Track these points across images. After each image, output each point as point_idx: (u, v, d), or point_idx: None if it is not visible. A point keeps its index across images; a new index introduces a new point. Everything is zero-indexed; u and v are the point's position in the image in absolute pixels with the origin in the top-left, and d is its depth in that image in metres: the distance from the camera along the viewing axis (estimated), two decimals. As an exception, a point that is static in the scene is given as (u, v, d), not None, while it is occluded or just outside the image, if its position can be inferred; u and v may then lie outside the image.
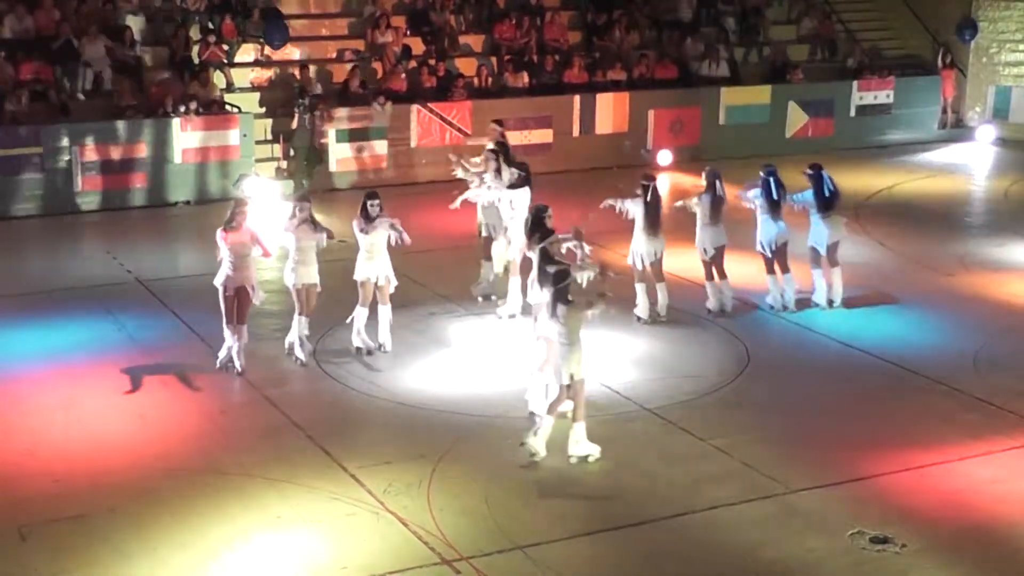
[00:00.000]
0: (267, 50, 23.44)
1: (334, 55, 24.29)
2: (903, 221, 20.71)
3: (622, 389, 13.02)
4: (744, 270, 16.82)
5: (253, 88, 23.32)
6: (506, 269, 15.30)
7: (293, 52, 23.78)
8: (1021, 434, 12.14)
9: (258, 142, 22.22)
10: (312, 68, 23.05)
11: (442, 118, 23.15)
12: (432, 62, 24.03)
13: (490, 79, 24.43)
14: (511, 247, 15.03)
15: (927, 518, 10.55)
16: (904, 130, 27.42)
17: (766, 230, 15.58)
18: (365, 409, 12.78)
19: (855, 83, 26.96)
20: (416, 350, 14.19)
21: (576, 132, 24.34)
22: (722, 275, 15.61)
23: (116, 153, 20.83)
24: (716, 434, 11.97)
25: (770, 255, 15.65)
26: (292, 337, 13.82)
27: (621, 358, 13.22)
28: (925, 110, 27.79)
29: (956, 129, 28.37)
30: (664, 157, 24.56)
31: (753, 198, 15.72)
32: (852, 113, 26.91)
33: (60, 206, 20.49)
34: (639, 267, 15.12)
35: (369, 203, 13.80)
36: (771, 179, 15.62)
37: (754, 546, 10.09)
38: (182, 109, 21.20)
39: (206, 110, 21.59)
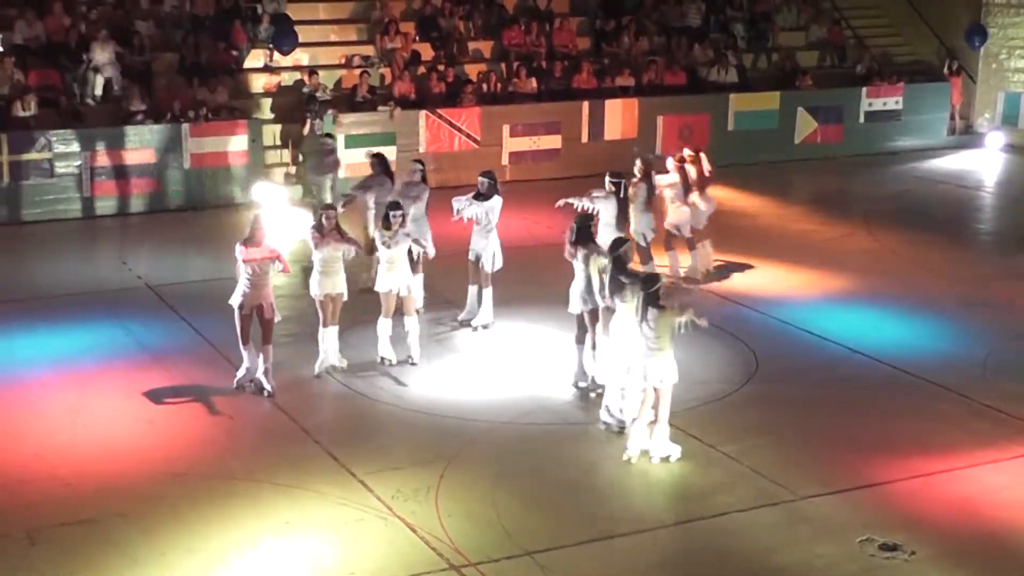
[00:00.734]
0: (276, 56, 23.46)
1: (343, 61, 24.32)
2: (912, 227, 20.68)
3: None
4: (752, 278, 16.87)
5: (262, 94, 23.36)
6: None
7: (302, 58, 23.82)
8: (1031, 441, 12.12)
9: (267, 147, 22.26)
10: (321, 74, 23.08)
11: (451, 124, 23.17)
12: (441, 68, 24.06)
13: (499, 85, 24.45)
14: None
15: (936, 525, 10.53)
16: (913, 136, 27.37)
17: (681, 213, 17.01)
18: (373, 415, 12.78)
19: (864, 89, 26.92)
20: (424, 356, 14.17)
21: (585, 138, 24.34)
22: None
23: (125, 158, 20.86)
24: (724, 440, 11.96)
25: (689, 235, 17.09)
26: (324, 351, 13.60)
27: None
28: (934, 116, 27.75)
29: (965, 135, 28.34)
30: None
31: (666, 183, 17.05)
32: (861, 119, 26.87)
33: (70, 211, 20.55)
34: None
35: (392, 214, 13.68)
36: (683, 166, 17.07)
37: (763, 552, 10.07)
38: (191, 115, 21.24)
39: (215, 115, 21.62)
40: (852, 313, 15.94)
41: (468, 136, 23.21)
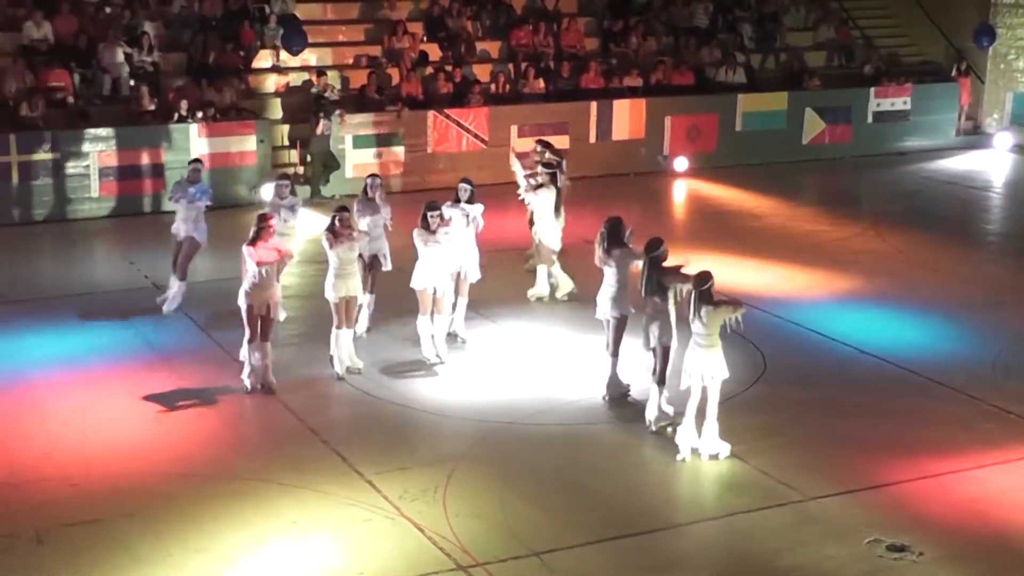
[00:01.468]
0: (284, 56, 23.48)
1: (351, 61, 24.34)
2: (920, 228, 20.64)
3: (638, 396, 12.99)
4: (760, 278, 16.84)
5: (270, 94, 23.39)
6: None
7: (310, 58, 23.84)
8: (1039, 442, 12.11)
9: (275, 148, 22.27)
10: (329, 74, 23.09)
11: (459, 124, 23.17)
12: (449, 68, 24.07)
13: (507, 85, 24.45)
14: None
15: (944, 526, 10.52)
16: (921, 137, 27.32)
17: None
18: (381, 415, 12.77)
19: (872, 90, 26.87)
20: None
21: (593, 138, 24.32)
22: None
23: (133, 159, 20.89)
24: (732, 441, 11.91)
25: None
26: (337, 353, 13.53)
27: (636, 364, 13.19)
28: (942, 117, 27.69)
29: (974, 136, 28.29)
30: (680, 164, 24.54)
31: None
32: (869, 120, 26.82)
33: (78, 211, 20.59)
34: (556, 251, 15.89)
35: (430, 214, 13.59)
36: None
37: (771, 553, 10.06)
38: (199, 115, 21.26)
39: (223, 116, 21.64)
40: (860, 314, 15.92)
41: (476, 136, 23.22)
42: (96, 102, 21.71)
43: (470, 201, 14.60)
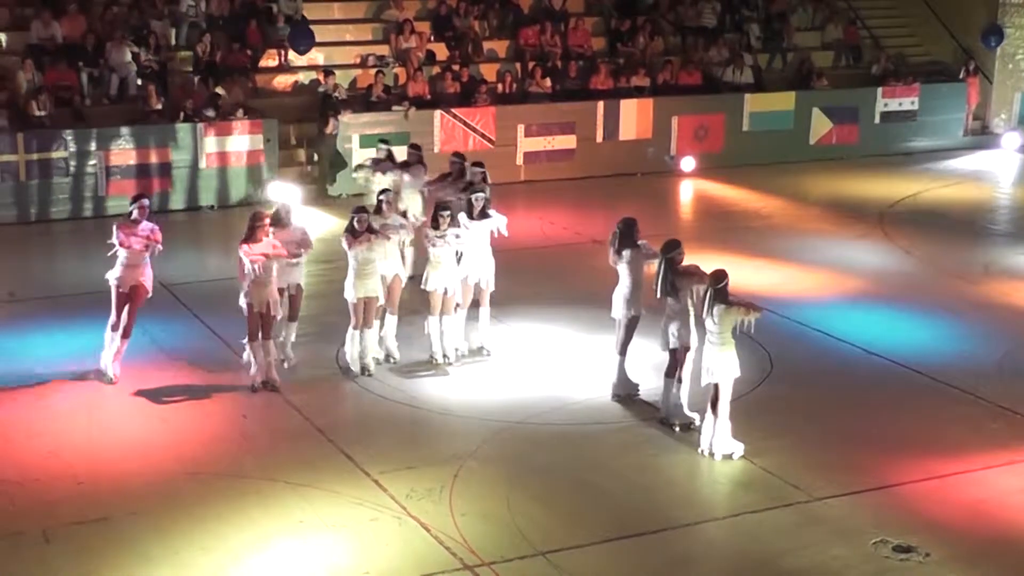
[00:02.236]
0: (291, 55, 23.51)
1: (358, 61, 24.35)
2: (928, 228, 20.62)
3: (644, 395, 12.99)
4: (767, 278, 16.81)
5: (278, 93, 23.40)
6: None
7: (317, 57, 23.85)
8: (1046, 443, 12.09)
9: (282, 147, 22.30)
10: (337, 73, 23.11)
11: (466, 123, 23.17)
12: (456, 67, 24.08)
13: (514, 85, 24.45)
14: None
15: (951, 527, 10.50)
16: (929, 137, 27.28)
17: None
18: (387, 414, 12.78)
19: (879, 90, 26.84)
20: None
21: (600, 138, 24.31)
22: None
23: (141, 158, 20.92)
24: (739, 441, 11.92)
25: None
26: (351, 351, 13.55)
27: (643, 364, 13.19)
28: (950, 117, 27.64)
29: (981, 136, 28.24)
30: (688, 163, 24.54)
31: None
32: (877, 120, 26.79)
33: (85, 210, 20.61)
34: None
35: (440, 214, 13.55)
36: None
37: (777, 554, 10.05)
38: (207, 114, 21.29)
39: (230, 115, 21.66)
40: (867, 314, 15.90)
41: (483, 136, 23.22)
42: (103, 101, 21.73)
43: (485, 209, 14.09)
